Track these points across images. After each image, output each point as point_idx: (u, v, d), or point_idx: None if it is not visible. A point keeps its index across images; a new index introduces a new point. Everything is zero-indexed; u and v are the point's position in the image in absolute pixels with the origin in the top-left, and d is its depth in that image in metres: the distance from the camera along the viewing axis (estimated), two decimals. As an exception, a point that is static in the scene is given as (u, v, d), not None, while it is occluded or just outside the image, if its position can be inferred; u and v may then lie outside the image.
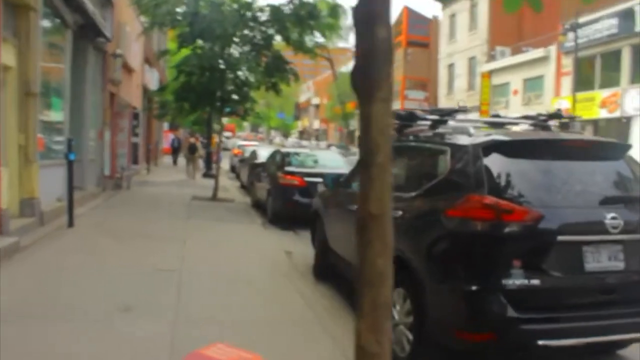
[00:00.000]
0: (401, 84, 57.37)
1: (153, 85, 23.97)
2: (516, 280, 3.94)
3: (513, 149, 4.42)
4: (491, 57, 39.45)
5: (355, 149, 47.74)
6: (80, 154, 11.88)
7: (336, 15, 14.70)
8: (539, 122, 5.78)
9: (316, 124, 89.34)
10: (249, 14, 14.29)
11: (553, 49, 32.96)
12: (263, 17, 14.65)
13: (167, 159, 32.76)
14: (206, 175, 23.26)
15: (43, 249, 7.79)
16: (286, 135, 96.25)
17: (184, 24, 13.88)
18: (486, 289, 3.99)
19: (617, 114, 27.75)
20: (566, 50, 31.66)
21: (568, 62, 31.83)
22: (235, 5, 14.21)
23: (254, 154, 20.20)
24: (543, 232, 4.09)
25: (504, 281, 3.93)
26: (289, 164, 12.31)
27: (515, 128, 6.12)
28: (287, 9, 14.39)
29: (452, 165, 4.57)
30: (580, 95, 27.95)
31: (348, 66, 72.67)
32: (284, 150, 14.20)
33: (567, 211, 4.21)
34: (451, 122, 5.34)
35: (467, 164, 4.41)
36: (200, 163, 27.64)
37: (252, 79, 15.15)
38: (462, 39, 43.25)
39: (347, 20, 14.89)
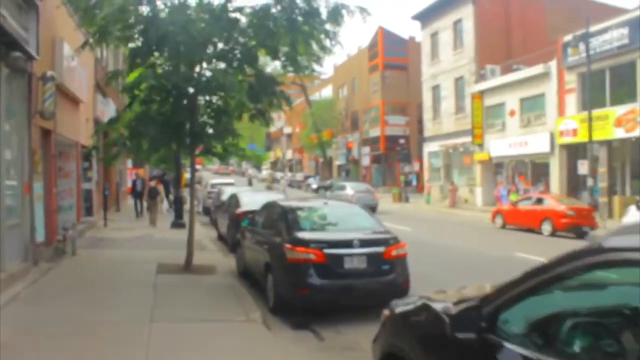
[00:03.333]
0: (380, 108, 54.38)
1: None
2: None
3: None
4: (481, 77, 36.57)
5: (341, 181, 44.32)
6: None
7: (337, 19, 11.03)
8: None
9: (289, 154, 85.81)
10: (224, 16, 10.58)
11: (553, 65, 30.05)
12: (243, 21, 10.98)
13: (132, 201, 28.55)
14: (176, 225, 19.24)
15: None
16: (258, 166, 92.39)
17: (137, 34, 10.10)
18: None
19: (636, 132, 24.68)
20: (568, 65, 28.80)
21: (572, 78, 28.97)
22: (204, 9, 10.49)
23: (235, 200, 16.35)
24: None
25: None
26: (298, 227, 8.56)
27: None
28: (275, 11, 10.76)
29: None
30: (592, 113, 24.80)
31: (321, 93, 69.75)
32: (283, 203, 10.39)
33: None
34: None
35: None
36: (165, 208, 23.64)
37: (232, 104, 11.35)
38: (446, 59, 40.41)
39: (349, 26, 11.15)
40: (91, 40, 10.87)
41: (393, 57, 55.00)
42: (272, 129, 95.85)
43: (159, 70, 10.36)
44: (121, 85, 11.01)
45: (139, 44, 10.10)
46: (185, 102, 10.65)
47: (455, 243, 17.93)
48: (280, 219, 9.08)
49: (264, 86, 11.40)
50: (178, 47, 9.73)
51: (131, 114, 11.21)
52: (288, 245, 8.00)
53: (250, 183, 49.85)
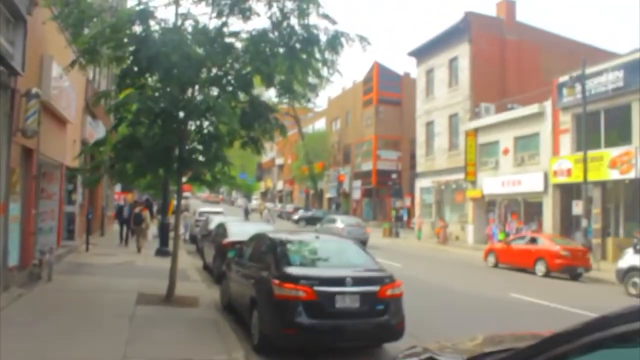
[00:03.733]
0: (373, 143, 54.24)
1: (97, 141, 19.48)
2: None
3: None
4: (475, 114, 36.52)
5: (332, 213, 43.86)
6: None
7: (336, 48, 10.67)
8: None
9: (280, 185, 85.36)
10: (219, 40, 10.23)
11: (548, 105, 30.01)
12: (238, 46, 10.63)
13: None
14: (160, 252, 18.61)
15: None
16: (248, 196, 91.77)
17: (128, 54, 9.68)
18: None
19: (631, 174, 24.48)
20: (563, 106, 28.75)
21: (566, 119, 28.90)
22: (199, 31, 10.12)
23: (222, 229, 15.81)
24: None
25: None
26: (288, 262, 7.98)
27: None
28: (272, 36, 10.42)
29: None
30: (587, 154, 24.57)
31: (315, 125, 69.70)
32: (272, 235, 9.69)
33: None
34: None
35: None
36: (151, 235, 22.95)
37: (223, 130, 10.90)
38: (441, 96, 40.44)
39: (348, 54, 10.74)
40: (81, 60, 10.44)
41: (387, 93, 55.14)
42: (264, 159, 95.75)
43: (149, 92, 9.89)
44: (109, 106, 10.48)
45: (129, 63, 9.66)
46: (174, 126, 10.17)
47: (448, 282, 17.40)
48: (269, 252, 8.50)
49: (257, 113, 11.00)
50: (170, 69, 9.31)
51: (118, 137, 10.72)
52: (276, 281, 7.41)
53: (247, 214, 48.14)
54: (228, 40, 10.30)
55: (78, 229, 17.86)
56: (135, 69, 9.37)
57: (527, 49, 37.54)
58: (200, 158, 11.06)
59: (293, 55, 10.41)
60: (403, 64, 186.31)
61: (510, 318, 11.65)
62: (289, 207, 62.95)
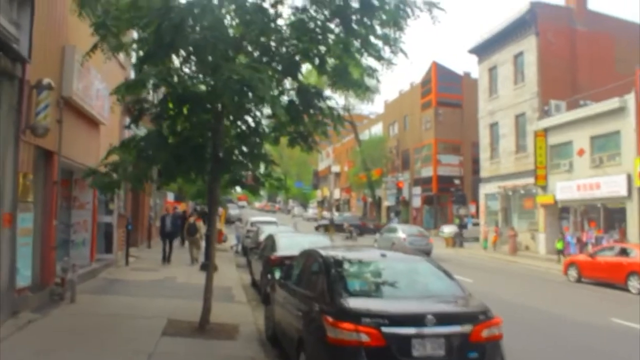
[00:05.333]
0: (433, 147, 51.72)
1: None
2: None
3: None
4: (544, 113, 33.68)
5: (391, 223, 41.61)
6: None
7: (398, 21, 8.68)
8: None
9: (337, 193, 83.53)
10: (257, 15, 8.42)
11: (631, 99, 26.97)
12: (281, 23, 8.81)
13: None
14: (206, 267, 16.90)
15: None
16: (304, 205, 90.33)
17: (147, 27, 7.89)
18: None
19: None
20: (651, 99, 25.79)
21: (654, 114, 25.89)
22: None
23: (270, 242, 14.02)
24: None
25: None
26: (345, 291, 5.94)
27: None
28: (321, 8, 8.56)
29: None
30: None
31: (371, 130, 67.55)
32: (325, 252, 7.27)
33: None
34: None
35: None
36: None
37: (264, 124, 9.09)
38: (505, 94, 37.71)
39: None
40: (104, 45, 8.78)
41: (447, 94, 52.56)
42: (320, 166, 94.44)
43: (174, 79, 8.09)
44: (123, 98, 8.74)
45: (151, 42, 7.87)
46: (205, 117, 8.41)
47: (531, 301, 15.00)
48: (321, 276, 6.52)
49: (307, 102, 9.15)
50: (198, 45, 7.54)
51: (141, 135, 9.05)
52: (330, 319, 5.45)
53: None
54: (271, 10, 8.44)
55: (116, 241, 16.44)
56: (155, 47, 7.59)
57: (599, 40, 34.51)
58: (239, 157, 9.25)
59: (348, 29, 8.53)
60: (463, 63, 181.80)
61: (626, 352, 9.35)
62: (347, 216, 61.01)
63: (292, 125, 9.49)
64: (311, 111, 9.22)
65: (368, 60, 9.45)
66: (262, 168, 10.21)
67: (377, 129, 66.54)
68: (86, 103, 12.32)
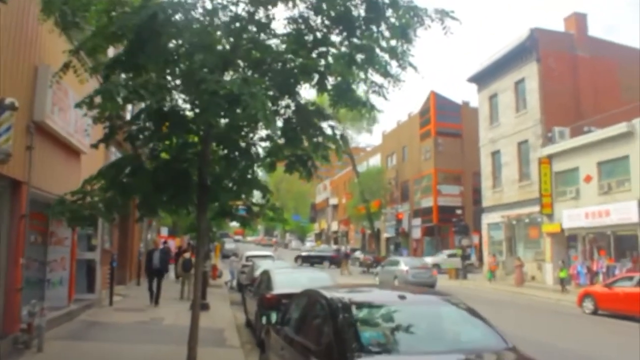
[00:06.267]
0: (433, 177, 50.74)
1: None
2: None
3: None
4: (548, 140, 32.80)
5: (393, 256, 40.20)
6: None
7: (406, 32, 7.69)
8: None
9: (335, 226, 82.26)
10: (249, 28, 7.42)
11: (638, 123, 26.09)
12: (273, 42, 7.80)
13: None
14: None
15: None
16: (302, 238, 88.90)
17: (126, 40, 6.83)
18: None
19: None
20: (659, 123, 24.90)
21: (663, 138, 24.97)
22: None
23: (267, 278, 12.82)
24: None
25: None
26: (360, 346, 4.64)
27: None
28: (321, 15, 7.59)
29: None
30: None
31: (369, 162, 66.64)
32: (330, 294, 5.93)
33: None
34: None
35: None
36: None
37: (259, 148, 8.01)
38: (507, 122, 36.98)
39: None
40: (78, 59, 7.72)
41: (446, 123, 51.84)
42: (318, 199, 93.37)
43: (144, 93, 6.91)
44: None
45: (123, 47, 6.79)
46: (188, 139, 7.31)
47: (552, 339, 13.67)
48: (326, 325, 5.28)
49: (306, 121, 8.09)
50: (177, 53, 6.49)
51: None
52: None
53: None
54: (263, 20, 7.43)
55: (99, 279, 15.18)
56: (127, 54, 6.50)
57: (602, 66, 33.89)
58: (229, 185, 8.11)
59: (351, 42, 7.53)
60: (460, 92, 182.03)
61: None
62: (344, 249, 59.73)
63: (289, 149, 8.42)
64: (311, 131, 8.15)
65: (373, 77, 8.47)
66: (255, 197, 9.09)
67: (375, 161, 65.67)
68: (63, 129, 11.25)
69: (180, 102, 7.23)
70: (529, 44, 34.10)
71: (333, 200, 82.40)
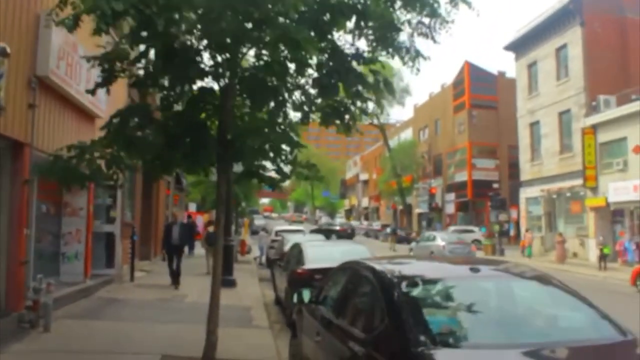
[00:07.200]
0: (467, 151, 49.00)
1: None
2: None
3: None
4: (592, 109, 30.90)
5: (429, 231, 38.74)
6: None
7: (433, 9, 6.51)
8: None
9: (365, 202, 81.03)
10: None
11: (696, 88, 24.20)
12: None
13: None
14: (226, 283, 14.63)
15: None
16: (332, 215, 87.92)
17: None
18: None
19: None
20: None
21: None
22: None
23: (297, 252, 11.70)
24: None
25: None
26: (428, 335, 3.34)
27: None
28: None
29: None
30: None
31: (400, 136, 64.98)
32: (381, 266, 4.63)
33: None
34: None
35: None
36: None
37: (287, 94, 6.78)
38: (547, 91, 35.04)
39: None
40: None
41: (481, 95, 49.86)
42: (348, 175, 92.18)
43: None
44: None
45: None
46: (203, 78, 6.11)
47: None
48: (377, 305, 4.08)
49: (342, 66, 6.84)
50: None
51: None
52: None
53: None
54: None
55: (118, 253, 14.25)
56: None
57: (651, 29, 31.70)
58: (252, 143, 6.89)
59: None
60: (497, 62, 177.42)
61: None
62: (376, 225, 58.49)
63: (324, 99, 7.21)
64: (350, 77, 6.90)
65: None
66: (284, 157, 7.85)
67: (407, 135, 63.95)
68: (72, 87, 10.19)
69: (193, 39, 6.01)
70: (572, 7, 32.13)
71: (363, 176, 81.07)
